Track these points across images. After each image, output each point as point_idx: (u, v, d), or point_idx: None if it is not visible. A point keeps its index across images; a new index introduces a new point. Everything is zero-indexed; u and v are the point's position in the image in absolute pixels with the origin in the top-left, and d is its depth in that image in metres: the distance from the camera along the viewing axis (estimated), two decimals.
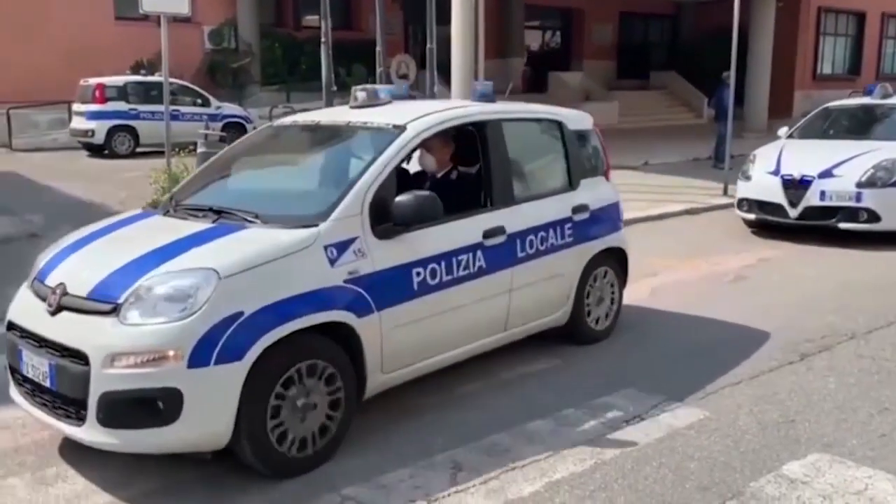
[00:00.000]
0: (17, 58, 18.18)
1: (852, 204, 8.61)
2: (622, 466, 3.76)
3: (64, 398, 3.56)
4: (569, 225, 5.20)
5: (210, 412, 3.44)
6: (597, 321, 5.55)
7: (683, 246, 8.83)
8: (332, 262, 3.81)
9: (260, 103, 19.90)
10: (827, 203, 8.71)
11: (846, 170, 8.75)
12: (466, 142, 4.95)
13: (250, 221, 3.99)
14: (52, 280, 3.86)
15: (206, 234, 3.90)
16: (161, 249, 3.79)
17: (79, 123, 16.88)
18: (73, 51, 18.54)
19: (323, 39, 11.15)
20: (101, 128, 16.50)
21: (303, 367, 3.67)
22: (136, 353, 3.36)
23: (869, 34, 28.78)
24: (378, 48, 11.87)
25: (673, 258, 8.15)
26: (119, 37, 19.47)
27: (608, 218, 5.62)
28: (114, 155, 16.47)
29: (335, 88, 10.84)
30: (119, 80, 17.10)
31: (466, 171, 5.04)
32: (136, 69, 18.74)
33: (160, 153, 12.15)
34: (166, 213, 4.43)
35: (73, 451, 3.88)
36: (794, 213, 8.88)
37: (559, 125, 5.47)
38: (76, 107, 17.00)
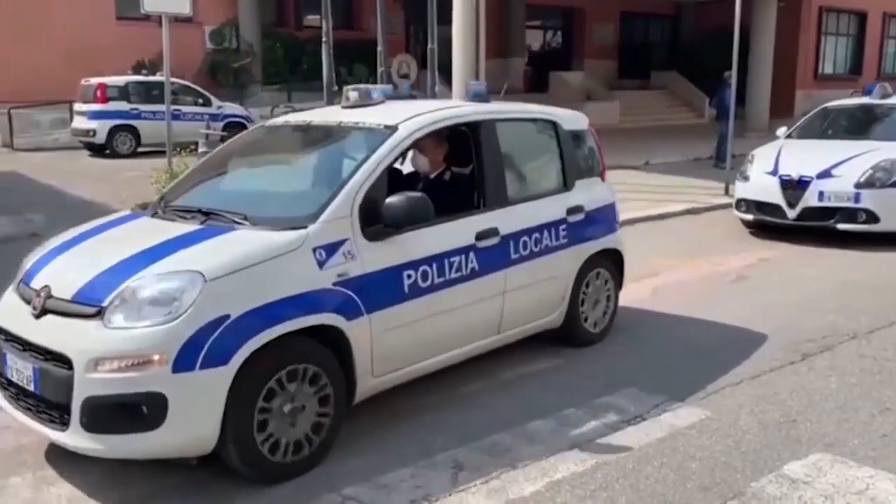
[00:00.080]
0: (18, 57, 18.21)
1: (851, 205, 8.53)
2: (623, 466, 3.75)
3: (48, 402, 3.52)
4: (563, 226, 5.14)
5: (195, 417, 3.39)
6: (593, 324, 5.50)
7: (685, 246, 8.82)
8: (321, 264, 3.76)
9: (261, 103, 19.92)
10: (825, 204, 8.62)
11: (845, 170, 8.67)
12: (460, 142, 4.89)
13: (238, 223, 3.93)
14: (37, 282, 3.81)
15: (194, 236, 3.85)
16: (147, 251, 3.74)
17: (80, 123, 16.91)
18: (74, 51, 18.57)
19: (324, 39, 11.17)
20: (102, 127, 16.54)
21: (291, 370, 3.60)
22: (120, 357, 3.31)
23: (870, 34, 28.77)
24: (379, 48, 11.88)
25: (674, 258, 8.14)
26: (120, 37, 19.51)
27: (604, 219, 5.55)
28: (115, 155, 16.49)
29: (336, 88, 10.85)
30: (120, 79, 17.13)
31: (460, 171, 4.98)
32: (137, 69, 18.78)
33: (161, 153, 12.16)
34: (155, 215, 4.37)
35: (61, 456, 3.82)
36: (792, 213, 8.81)
37: (554, 125, 5.41)
38: (77, 106, 17.04)
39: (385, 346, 4.02)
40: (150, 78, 17.30)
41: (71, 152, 16.94)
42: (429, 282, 4.21)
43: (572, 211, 5.23)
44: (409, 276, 4.11)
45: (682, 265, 7.88)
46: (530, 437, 4.08)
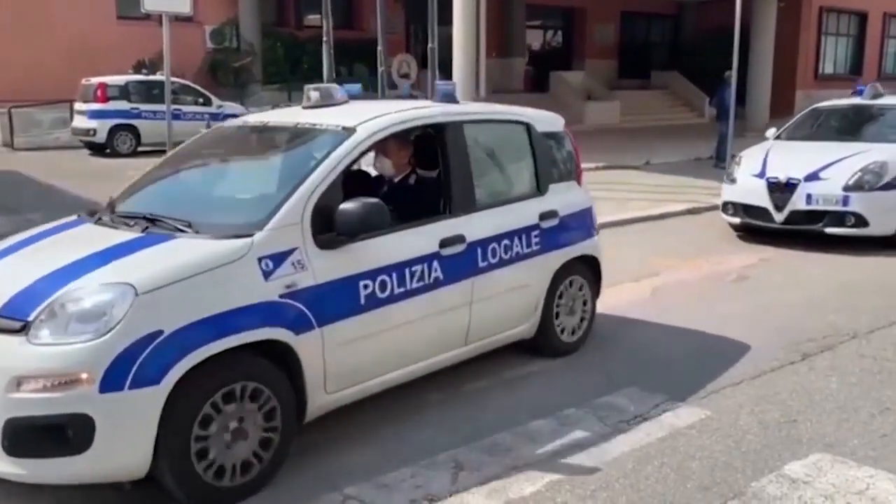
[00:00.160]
0: (18, 57, 18.23)
1: (839, 208, 8.26)
2: (623, 466, 3.76)
3: None
4: (536, 232, 4.90)
5: (125, 440, 3.16)
6: (568, 333, 5.28)
7: (685, 245, 8.81)
8: (267, 275, 3.53)
9: (261, 102, 19.90)
10: (813, 207, 8.36)
11: (833, 172, 8.40)
12: (426, 144, 4.70)
13: (181, 230, 3.71)
14: None
15: (132, 245, 3.63)
16: (81, 262, 3.52)
17: (81, 122, 16.92)
18: (74, 50, 18.59)
19: (324, 39, 11.18)
20: (102, 127, 16.54)
21: (232, 389, 3.39)
22: (45, 375, 3.09)
23: (871, 34, 28.81)
24: (379, 47, 11.89)
25: (674, 258, 8.14)
26: (121, 36, 19.52)
27: (579, 224, 5.32)
28: (115, 154, 16.50)
29: None
30: (121, 79, 17.14)
31: (426, 174, 4.77)
32: (137, 68, 18.79)
33: (162, 152, 12.15)
34: (98, 221, 4.13)
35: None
36: (779, 217, 8.53)
37: (526, 127, 5.16)
38: (78, 106, 17.04)
39: (339, 360, 3.79)
40: (151, 77, 17.32)
41: (71, 152, 16.95)
42: (388, 292, 3.99)
43: (545, 216, 5.00)
44: (365, 287, 3.89)
45: (682, 265, 7.88)
46: (531, 436, 4.08)
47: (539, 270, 4.98)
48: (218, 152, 5.06)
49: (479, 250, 4.52)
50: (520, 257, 4.79)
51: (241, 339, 3.40)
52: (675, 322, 6.02)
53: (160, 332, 3.19)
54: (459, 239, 4.40)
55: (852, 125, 10.04)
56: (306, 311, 3.63)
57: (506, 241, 4.70)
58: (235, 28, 21.94)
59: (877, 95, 10.10)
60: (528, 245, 4.86)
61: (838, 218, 8.33)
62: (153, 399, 3.16)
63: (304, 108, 4.74)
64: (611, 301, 6.21)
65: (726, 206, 9.22)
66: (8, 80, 17.53)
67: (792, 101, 23.50)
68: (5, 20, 18.52)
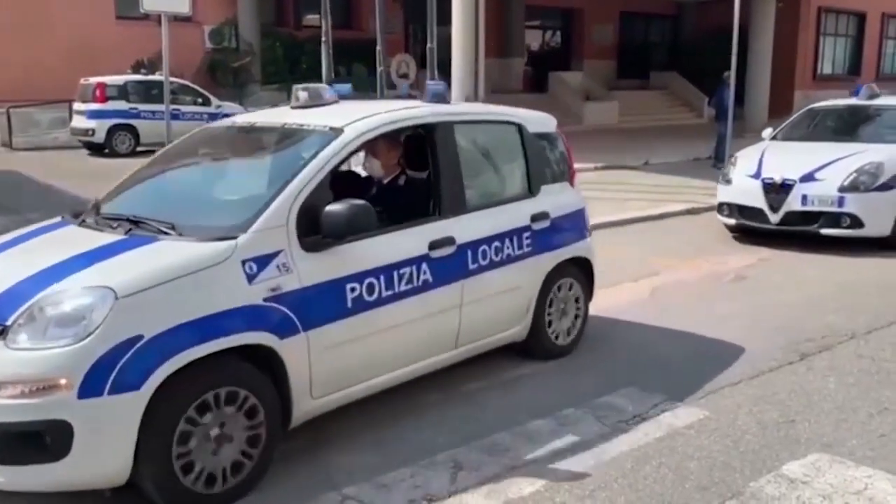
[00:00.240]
0: (17, 56, 18.22)
1: (834, 209, 8.21)
2: (622, 466, 3.76)
3: None
4: (527, 234, 4.85)
5: (105, 447, 3.11)
6: (560, 336, 5.23)
7: (684, 246, 8.82)
8: (251, 278, 3.47)
9: (260, 102, 19.87)
10: (809, 208, 8.32)
11: (829, 173, 8.37)
12: (416, 145, 4.66)
13: (165, 233, 3.66)
14: None
15: (114, 248, 3.57)
16: (62, 265, 3.46)
17: (79, 122, 16.91)
18: (73, 50, 18.59)
19: (323, 39, 11.18)
20: (101, 127, 16.53)
21: (215, 394, 3.33)
22: (23, 381, 3.04)
23: (869, 34, 28.84)
24: (378, 47, 11.90)
25: (673, 258, 8.14)
26: (120, 36, 19.52)
27: (572, 226, 5.27)
28: (114, 154, 16.48)
29: None
30: (120, 79, 17.13)
31: (416, 176, 4.73)
32: (136, 68, 18.78)
33: None
34: (82, 223, 4.06)
35: None
36: (774, 218, 8.50)
37: (518, 128, 5.11)
38: (77, 106, 17.03)
39: (326, 365, 3.74)
40: (150, 77, 17.30)
41: (70, 151, 16.94)
42: (375, 295, 3.93)
43: (537, 218, 4.95)
44: (352, 290, 3.83)
45: (681, 265, 7.89)
46: (530, 436, 4.09)
47: (530, 272, 4.93)
48: (205, 153, 4.98)
49: (469, 252, 4.47)
50: (511, 259, 4.74)
51: (223, 343, 3.35)
52: (674, 322, 6.02)
53: (141, 337, 3.14)
54: (449, 241, 4.35)
55: (848, 126, 10.02)
56: (291, 314, 3.58)
57: (496, 243, 4.65)
58: (234, 28, 21.93)
59: (873, 96, 10.08)
60: (520, 247, 4.81)
61: (834, 219, 8.31)
62: (133, 405, 3.11)
63: (293, 108, 4.68)
64: (610, 301, 6.22)
65: (722, 207, 9.21)
66: (7, 80, 17.53)
67: (790, 101, 23.50)
68: (5, 20, 18.51)
